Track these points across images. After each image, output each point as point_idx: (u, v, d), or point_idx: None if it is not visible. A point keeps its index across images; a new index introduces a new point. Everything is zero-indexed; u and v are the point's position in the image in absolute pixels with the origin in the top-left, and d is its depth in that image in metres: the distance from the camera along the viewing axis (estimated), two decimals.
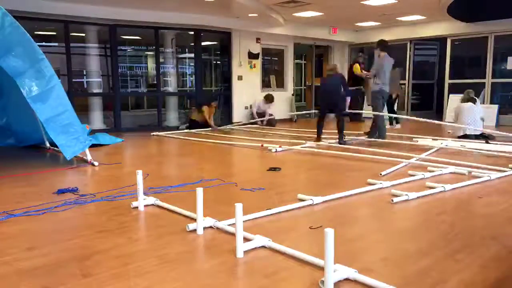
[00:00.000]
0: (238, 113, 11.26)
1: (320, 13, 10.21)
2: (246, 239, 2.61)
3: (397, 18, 11.15)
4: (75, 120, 5.24)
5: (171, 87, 10.77)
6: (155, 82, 10.68)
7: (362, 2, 9.03)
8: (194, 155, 6.61)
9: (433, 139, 7.35)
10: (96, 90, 9.90)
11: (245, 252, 2.50)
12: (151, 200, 3.58)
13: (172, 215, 3.30)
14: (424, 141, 7.19)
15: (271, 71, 12.78)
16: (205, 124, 9.69)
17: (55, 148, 6.36)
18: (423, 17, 11.02)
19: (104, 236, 2.86)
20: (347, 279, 2.15)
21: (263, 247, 2.59)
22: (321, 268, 2.16)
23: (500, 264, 2.38)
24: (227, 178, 4.62)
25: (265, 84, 12.12)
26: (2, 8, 4.63)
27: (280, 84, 12.49)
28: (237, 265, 2.38)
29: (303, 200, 3.58)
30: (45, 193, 4.03)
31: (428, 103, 13.03)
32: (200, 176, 4.72)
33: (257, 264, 2.38)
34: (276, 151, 6.41)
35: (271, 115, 10.86)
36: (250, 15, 9.85)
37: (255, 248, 2.56)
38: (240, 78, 11.22)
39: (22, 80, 4.82)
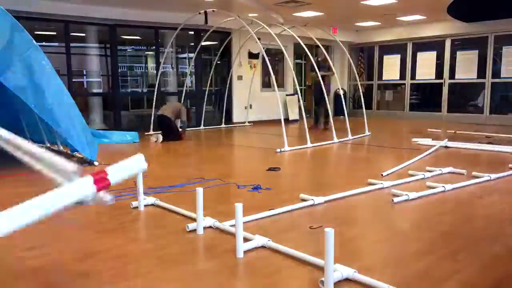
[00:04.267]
0: (238, 113, 11.25)
1: (320, 13, 10.20)
2: (246, 239, 2.61)
3: (397, 18, 11.14)
4: (85, 124, 5.34)
5: (171, 87, 10.76)
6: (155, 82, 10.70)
7: (362, 2, 9.03)
8: (194, 155, 6.61)
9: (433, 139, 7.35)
10: (96, 90, 9.90)
11: (245, 252, 2.49)
12: (151, 200, 3.58)
13: (172, 215, 3.30)
14: (424, 141, 7.19)
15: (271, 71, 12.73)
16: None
17: (55, 148, 6.36)
18: (423, 17, 11.01)
19: (104, 236, 2.86)
20: (347, 279, 2.14)
21: (263, 247, 2.58)
22: (321, 268, 2.16)
23: (500, 264, 2.37)
24: (227, 178, 4.62)
25: (265, 84, 12.11)
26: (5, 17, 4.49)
27: (280, 84, 12.48)
28: (237, 265, 2.38)
29: (305, 200, 3.57)
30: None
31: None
32: (200, 176, 4.72)
33: (257, 264, 2.38)
34: (280, 151, 6.38)
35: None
36: (250, 15, 9.84)
37: (255, 248, 2.56)
38: (240, 78, 11.22)
39: (26, 96, 4.68)
